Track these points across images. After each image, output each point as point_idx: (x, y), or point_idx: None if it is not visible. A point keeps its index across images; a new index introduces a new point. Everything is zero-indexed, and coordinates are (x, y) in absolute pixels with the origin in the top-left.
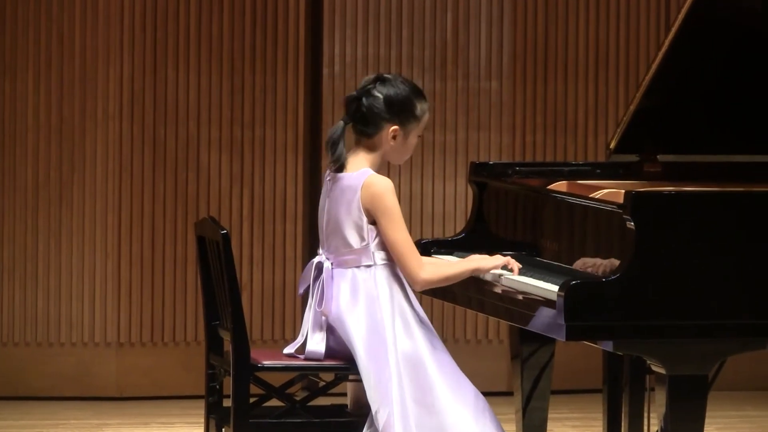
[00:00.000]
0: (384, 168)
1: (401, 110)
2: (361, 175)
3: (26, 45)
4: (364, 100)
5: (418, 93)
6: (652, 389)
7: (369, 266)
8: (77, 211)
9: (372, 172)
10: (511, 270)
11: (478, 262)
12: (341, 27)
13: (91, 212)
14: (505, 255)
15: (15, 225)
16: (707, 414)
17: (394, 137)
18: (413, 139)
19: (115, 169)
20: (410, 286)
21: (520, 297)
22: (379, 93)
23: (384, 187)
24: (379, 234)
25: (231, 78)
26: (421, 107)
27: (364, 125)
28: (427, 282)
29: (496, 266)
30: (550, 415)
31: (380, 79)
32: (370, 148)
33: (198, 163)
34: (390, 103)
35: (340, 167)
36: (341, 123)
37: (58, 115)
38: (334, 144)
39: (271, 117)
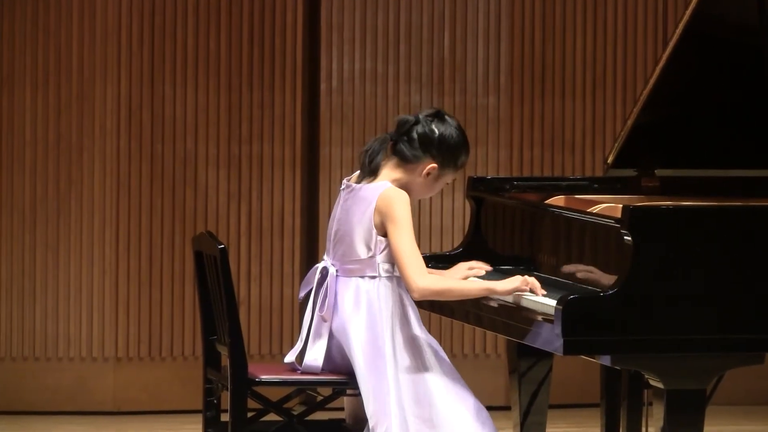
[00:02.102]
0: None
1: (447, 154)
2: (379, 187)
3: (24, 60)
4: (419, 126)
5: (467, 145)
6: (650, 404)
7: (373, 277)
8: (75, 227)
9: (390, 185)
10: (531, 291)
11: (494, 284)
12: (339, 43)
13: (88, 228)
14: (521, 275)
15: (12, 240)
16: (704, 428)
17: (428, 174)
18: (442, 184)
19: (113, 185)
20: (409, 292)
21: (518, 311)
22: (436, 128)
23: (398, 197)
24: (388, 242)
25: (228, 94)
26: (463, 159)
27: (409, 149)
28: (423, 290)
29: (515, 290)
30: (548, 430)
31: (439, 116)
32: (401, 171)
33: (196, 179)
34: (441, 142)
35: (368, 178)
36: (386, 137)
37: (55, 131)
38: (372, 154)
39: (269, 133)
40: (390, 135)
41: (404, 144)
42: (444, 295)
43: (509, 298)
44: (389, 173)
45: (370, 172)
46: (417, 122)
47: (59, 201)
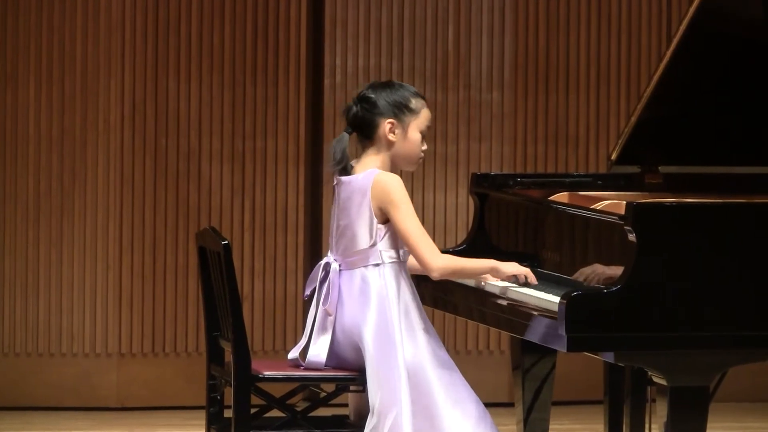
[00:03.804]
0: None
1: (394, 105)
2: (368, 175)
3: (27, 55)
4: (359, 104)
5: (412, 90)
6: (653, 400)
7: (377, 265)
8: (78, 222)
9: (379, 170)
10: (524, 283)
11: (497, 262)
12: (342, 38)
13: (92, 223)
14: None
15: (16, 235)
16: (708, 425)
17: (392, 131)
18: (415, 134)
19: (116, 180)
20: (427, 273)
21: (522, 308)
22: (371, 95)
23: (392, 181)
24: (393, 228)
25: (232, 89)
26: (416, 101)
27: (363, 127)
28: (443, 269)
29: (515, 273)
30: (551, 427)
31: (373, 85)
32: (376, 150)
33: (199, 174)
34: (383, 101)
35: (344, 170)
36: (344, 133)
37: (59, 126)
38: (336, 153)
39: (272, 128)
40: (345, 129)
41: (358, 126)
42: (459, 274)
43: (497, 290)
44: (371, 157)
45: (339, 162)
46: (356, 103)
47: (63, 196)
